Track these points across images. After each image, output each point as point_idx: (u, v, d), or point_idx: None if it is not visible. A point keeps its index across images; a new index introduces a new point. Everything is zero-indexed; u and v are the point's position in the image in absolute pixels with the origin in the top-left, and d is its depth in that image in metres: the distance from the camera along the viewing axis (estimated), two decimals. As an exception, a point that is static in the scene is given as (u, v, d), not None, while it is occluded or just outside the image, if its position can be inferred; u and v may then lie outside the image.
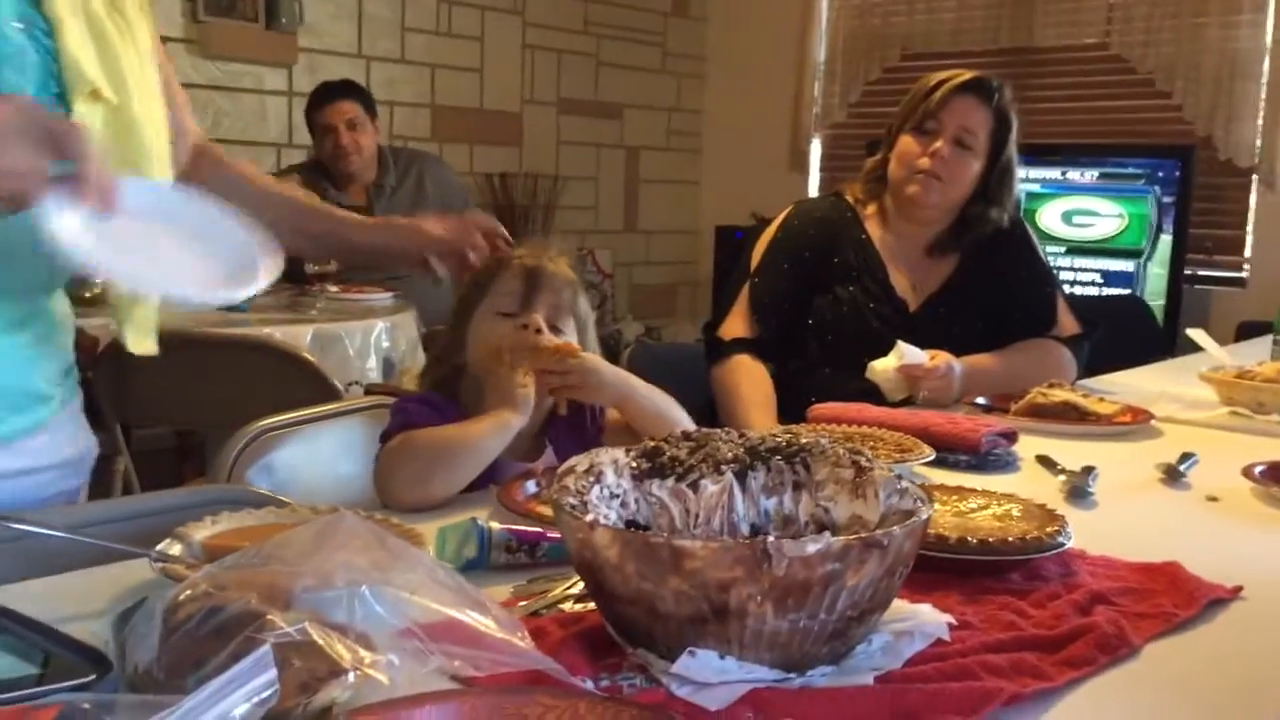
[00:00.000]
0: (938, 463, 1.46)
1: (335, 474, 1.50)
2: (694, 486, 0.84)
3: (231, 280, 1.06)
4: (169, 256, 1.06)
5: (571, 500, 0.82)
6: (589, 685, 0.79)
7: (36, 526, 0.91)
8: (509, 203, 5.13)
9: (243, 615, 0.73)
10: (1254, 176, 4.45)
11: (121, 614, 0.81)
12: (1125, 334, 3.54)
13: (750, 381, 1.96)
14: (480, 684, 0.74)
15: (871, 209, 2.13)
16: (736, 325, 2.05)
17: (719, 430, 0.90)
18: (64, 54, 1.09)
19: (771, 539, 0.74)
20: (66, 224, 0.95)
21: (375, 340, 2.86)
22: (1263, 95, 4.42)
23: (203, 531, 0.97)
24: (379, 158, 3.75)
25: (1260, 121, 4.43)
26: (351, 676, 0.70)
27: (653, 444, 0.88)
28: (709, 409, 2.00)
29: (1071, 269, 4.44)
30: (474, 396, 1.38)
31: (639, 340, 5.24)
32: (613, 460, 0.86)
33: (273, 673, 0.58)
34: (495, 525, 1.03)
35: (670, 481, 0.85)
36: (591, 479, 0.84)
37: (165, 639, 0.73)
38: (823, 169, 5.68)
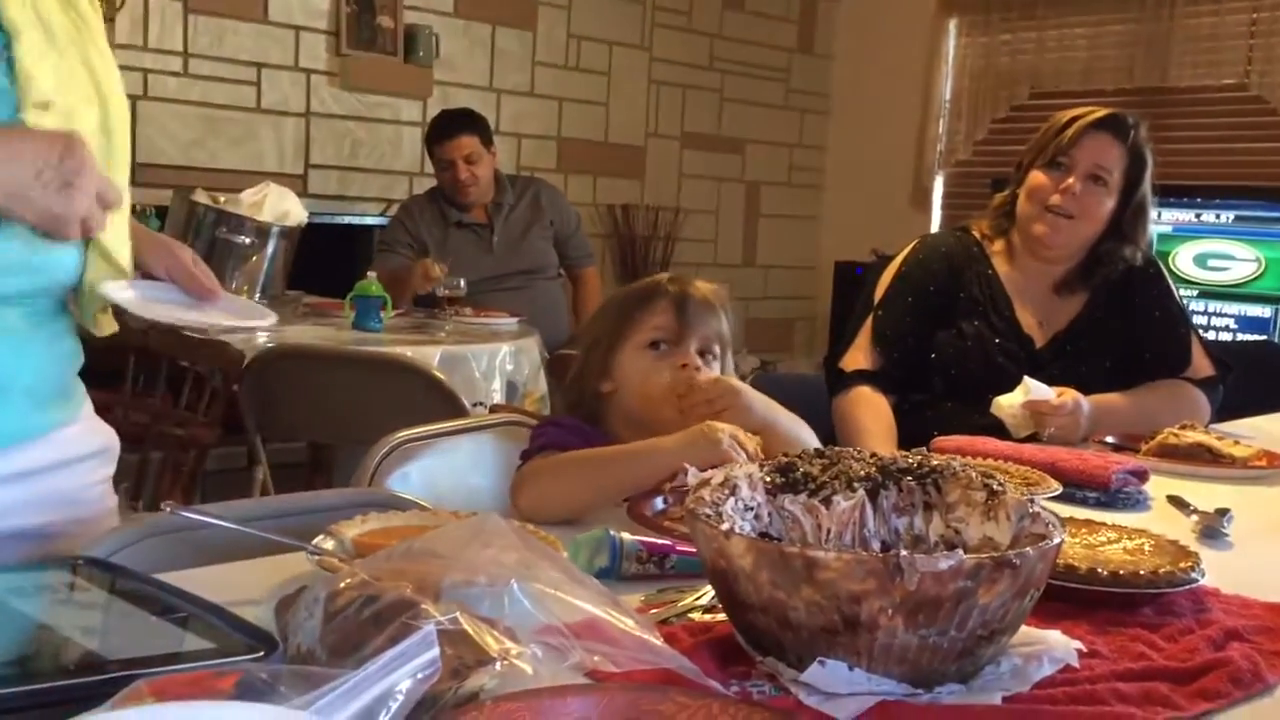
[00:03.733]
0: (1065, 498, 1.45)
1: (468, 485, 1.56)
2: (826, 502, 0.86)
3: (245, 316, 1.30)
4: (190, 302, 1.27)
5: (707, 510, 0.85)
6: (720, 689, 0.81)
7: (210, 518, 0.98)
8: (630, 233, 5.21)
9: (398, 603, 0.77)
10: (1401, 222, 4.27)
11: (282, 600, 0.87)
12: (1260, 380, 3.42)
13: (871, 413, 1.97)
14: (618, 680, 0.78)
15: (999, 245, 2.12)
16: (858, 357, 2.06)
17: (850, 449, 0.92)
18: (19, 68, 1.11)
19: (904, 553, 0.75)
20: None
21: (500, 363, 2.94)
22: None
23: (354, 529, 1.03)
24: (496, 180, 3.87)
25: None
26: (498, 666, 0.74)
27: (786, 460, 0.91)
28: (829, 441, 2.00)
29: (1205, 313, 4.32)
30: (619, 422, 1.42)
31: (758, 370, 5.25)
32: (747, 475, 0.89)
33: (435, 652, 0.62)
34: (627, 536, 1.06)
35: (803, 497, 0.87)
36: (727, 491, 0.87)
37: (326, 623, 0.78)
38: (945, 206, 5.63)
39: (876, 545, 0.88)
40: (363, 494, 1.22)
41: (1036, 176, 2.04)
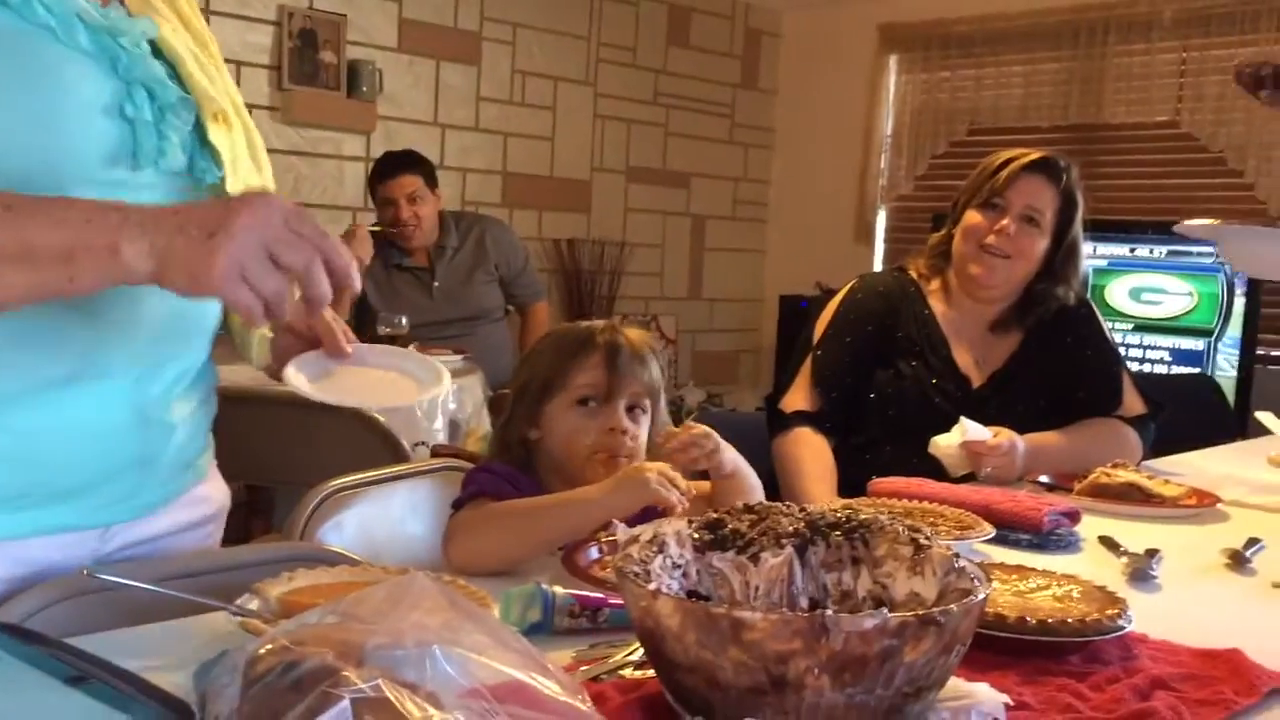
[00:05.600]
0: (999, 541, 1.46)
1: (405, 534, 1.54)
2: (754, 559, 0.86)
3: (423, 387, 1.19)
4: (368, 379, 1.19)
5: (635, 569, 0.84)
6: (648, 751, 0.81)
7: (124, 579, 0.95)
8: (576, 268, 5.21)
9: (319, 670, 0.76)
10: (1329, 256, 4.38)
11: (203, 665, 0.85)
12: (1195, 414, 3.48)
13: (811, 455, 1.97)
14: (542, 745, 0.77)
15: (935, 284, 2.15)
16: (798, 398, 2.07)
17: (780, 504, 0.92)
18: (192, 84, 1.12)
19: (830, 612, 0.75)
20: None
21: (442, 402, 2.92)
22: (1338, 176, 4.38)
23: (279, 588, 1.01)
24: (440, 221, 3.86)
25: (1335, 202, 4.38)
26: (420, 733, 0.73)
27: (715, 516, 0.91)
28: (769, 479, 2.01)
29: (1140, 346, 4.40)
30: (546, 470, 1.41)
31: (701, 407, 5.26)
32: (675, 531, 0.89)
33: (350, 726, 0.61)
34: (559, 590, 1.05)
35: (731, 554, 0.87)
36: (655, 549, 0.87)
37: (245, 690, 0.77)
38: (888, 240, 5.70)
39: (804, 602, 0.88)
40: (290, 548, 1.20)
41: (972, 216, 2.07)
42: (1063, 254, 2.07)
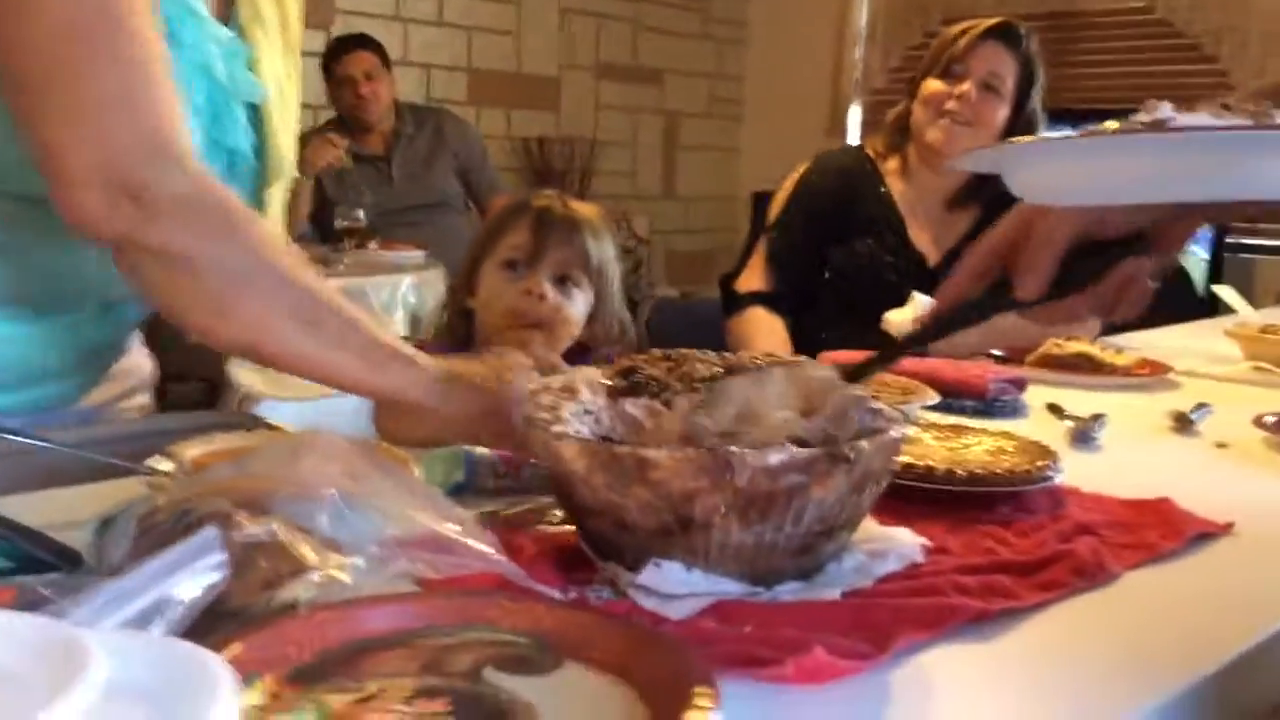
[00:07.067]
0: (944, 408, 1.44)
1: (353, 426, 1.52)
2: (668, 404, 0.84)
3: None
4: None
5: (544, 415, 0.83)
6: (555, 594, 0.80)
7: (35, 440, 0.93)
8: (546, 167, 5.14)
9: (211, 515, 0.74)
10: (1303, 142, 4.34)
11: (102, 521, 0.83)
12: (1163, 299, 3.47)
13: (765, 334, 1.96)
14: (443, 586, 0.75)
15: (893, 163, 2.11)
16: (753, 278, 2.05)
17: (697, 351, 0.90)
18: (271, 145, 1.11)
19: (735, 449, 0.74)
20: None
21: (401, 296, 2.89)
22: (1313, 60, 4.32)
23: (194, 450, 0.98)
24: (396, 110, 3.79)
25: (1310, 86, 4.32)
26: (316, 576, 0.71)
27: (629, 363, 0.89)
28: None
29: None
30: (483, 345, 1.38)
31: (657, 299, 5.21)
32: (588, 379, 0.87)
33: (219, 555, 0.59)
34: (483, 450, 1.04)
35: (644, 399, 0.85)
36: (566, 396, 0.85)
37: (138, 539, 0.75)
38: (863, 135, 5.62)
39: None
40: (213, 416, 1.18)
41: (931, 84, 2.03)
42: (1022, 124, 2.03)
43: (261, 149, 1.09)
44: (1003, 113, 2.01)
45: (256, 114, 1.09)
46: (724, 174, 5.99)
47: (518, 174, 5.04)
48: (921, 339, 0.94)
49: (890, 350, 0.95)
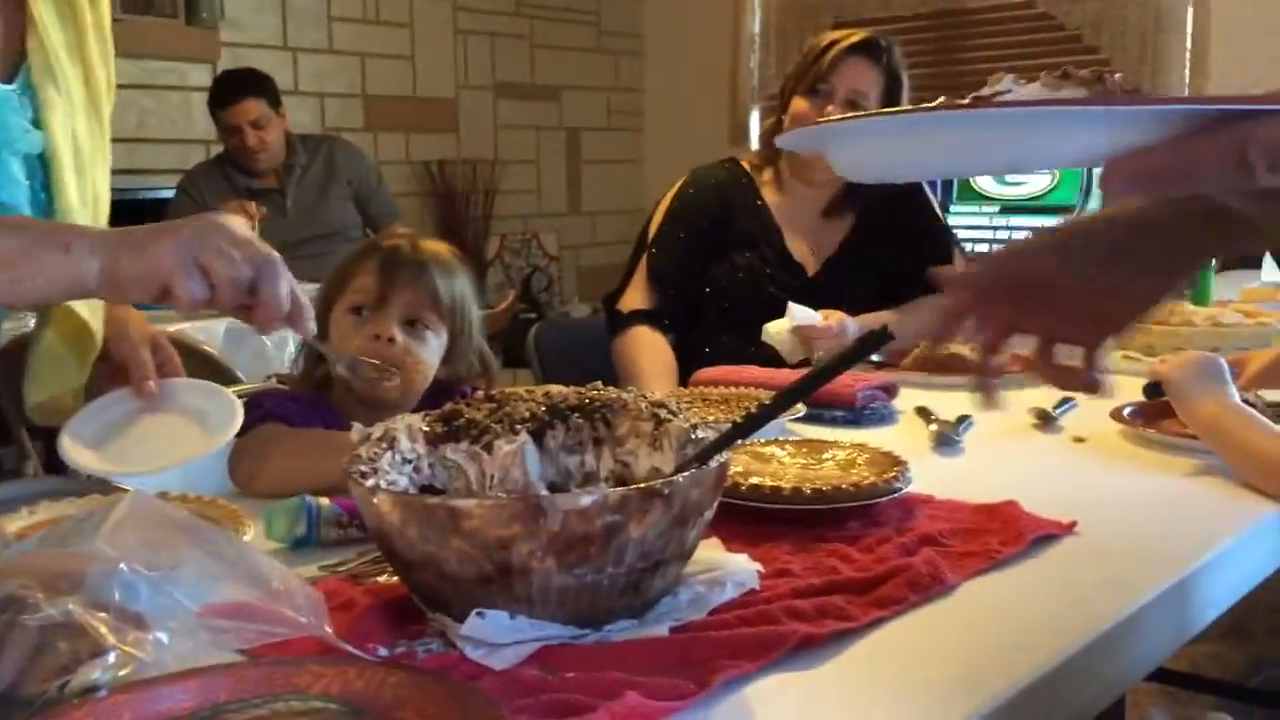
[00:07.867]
0: (813, 419, 1.45)
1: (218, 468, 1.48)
2: (488, 448, 0.83)
3: (211, 436, 1.16)
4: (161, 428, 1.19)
5: (361, 468, 0.81)
6: (383, 652, 0.78)
7: None
8: (448, 190, 5.09)
9: (7, 599, 0.71)
10: (1184, 127, 4.45)
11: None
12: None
13: (649, 353, 1.95)
14: (258, 653, 0.73)
15: (767, 175, 2.12)
16: (635, 297, 2.04)
17: (521, 390, 0.89)
18: (59, 204, 1.10)
19: (545, 494, 0.73)
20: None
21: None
22: (1188, 46, 4.43)
23: (17, 523, 0.96)
24: (287, 141, 3.73)
25: (1186, 73, 4.44)
26: (112, 656, 0.69)
27: (451, 407, 0.87)
28: (615, 384, 1.99)
29: (1006, 228, 4.44)
30: (340, 389, 1.35)
31: (521, 317, 5.07)
32: (407, 426, 0.85)
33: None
34: (325, 501, 1.02)
35: (465, 444, 0.84)
36: (384, 445, 0.83)
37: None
38: (763, 142, 5.66)
39: (544, 488, 0.85)
40: (45, 482, 1.14)
41: (798, 104, 2.04)
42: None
43: (49, 201, 1.06)
44: None
45: (45, 166, 1.06)
46: (629, 186, 5.99)
47: (419, 198, 5.00)
48: (836, 368, 0.89)
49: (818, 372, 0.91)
